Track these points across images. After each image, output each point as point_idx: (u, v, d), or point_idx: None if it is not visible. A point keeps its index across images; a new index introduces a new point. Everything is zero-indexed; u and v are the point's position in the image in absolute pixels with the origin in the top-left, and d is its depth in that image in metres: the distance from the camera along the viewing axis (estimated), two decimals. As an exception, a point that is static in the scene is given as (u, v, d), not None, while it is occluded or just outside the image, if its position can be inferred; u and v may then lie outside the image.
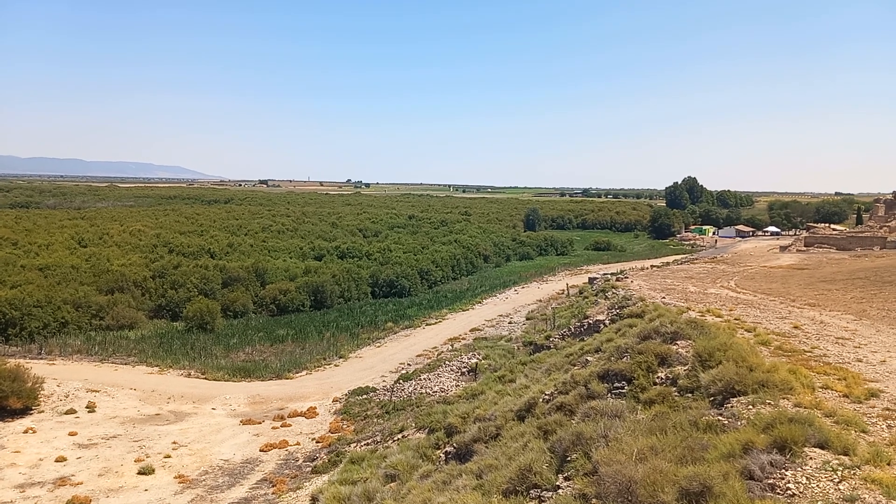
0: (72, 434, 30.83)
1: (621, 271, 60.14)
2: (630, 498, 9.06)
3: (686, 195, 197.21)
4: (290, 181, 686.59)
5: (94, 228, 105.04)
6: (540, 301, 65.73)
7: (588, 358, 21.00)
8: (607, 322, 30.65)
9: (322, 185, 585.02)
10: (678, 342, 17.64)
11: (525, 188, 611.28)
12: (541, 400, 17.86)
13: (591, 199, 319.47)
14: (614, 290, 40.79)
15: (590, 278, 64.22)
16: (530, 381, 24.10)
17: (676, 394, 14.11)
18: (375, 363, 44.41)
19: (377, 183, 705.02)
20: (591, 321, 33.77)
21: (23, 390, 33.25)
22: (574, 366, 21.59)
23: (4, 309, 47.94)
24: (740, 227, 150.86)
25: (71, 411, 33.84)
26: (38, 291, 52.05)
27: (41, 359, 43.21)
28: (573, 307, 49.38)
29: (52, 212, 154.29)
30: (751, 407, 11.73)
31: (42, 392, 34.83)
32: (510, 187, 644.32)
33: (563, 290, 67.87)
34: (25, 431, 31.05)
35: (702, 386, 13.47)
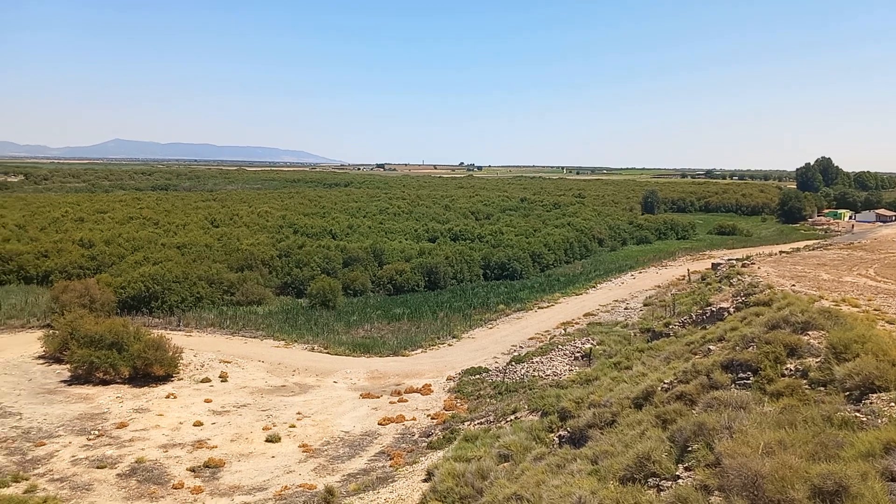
0: (207, 401, 33.20)
1: (747, 257, 57.23)
2: (756, 493, 8.75)
3: (819, 177, 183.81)
4: (406, 165, 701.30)
5: (225, 210, 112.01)
6: (658, 287, 63.69)
7: (710, 347, 20.25)
8: (731, 310, 29.36)
9: (436, 169, 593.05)
10: (809, 332, 16.69)
11: (643, 169, 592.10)
12: (659, 388, 17.45)
13: (714, 180, 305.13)
14: (739, 277, 38.95)
15: (713, 264, 61.62)
16: (648, 369, 23.55)
17: (807, 387, 13.41)
18: (487, 344, 44.76)
19: (490, 165, 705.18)
20: (713, 309, 32.45)
21: (165, 359, 36.16)
22: (695, 354, 20.92)
23: (148, 284, 52.18)
24: (881, 210, 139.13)
25: (206, 380, 36.43)
26: (176, 268, 56.25)
27: (179, 330, 46.72)
28: (694, 294, 47.57)
29: (187, 194, 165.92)
30: (893, 404, 10.96)
31: (181, 361, 37.68)
32: (627, 168, 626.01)
33: (684, 276, 65.41)
34: (167, 396, 33.78)
35: (836, 380, 12.72)
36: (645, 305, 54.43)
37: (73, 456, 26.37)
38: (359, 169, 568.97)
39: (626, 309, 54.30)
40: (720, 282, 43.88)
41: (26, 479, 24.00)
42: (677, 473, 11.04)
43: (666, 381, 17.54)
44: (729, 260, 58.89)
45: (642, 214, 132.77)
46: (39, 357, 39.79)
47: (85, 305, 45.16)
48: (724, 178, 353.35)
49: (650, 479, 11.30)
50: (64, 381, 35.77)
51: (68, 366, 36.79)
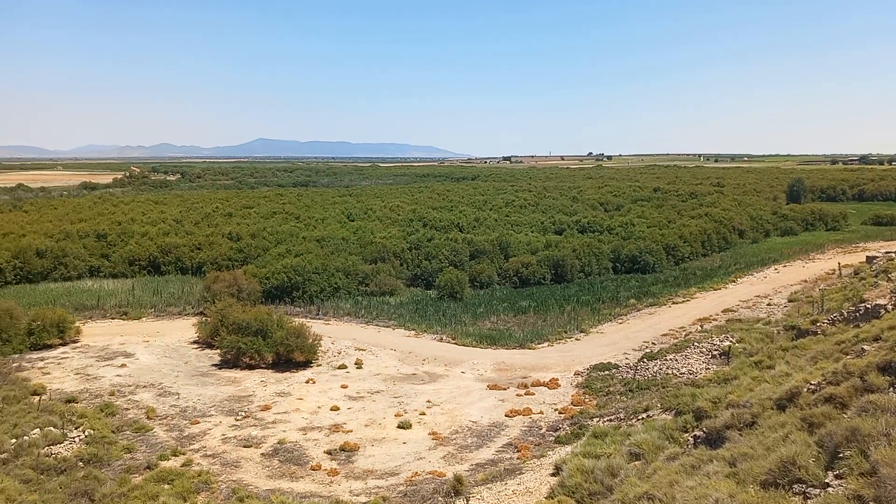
0: (343, 387, 34.76)
1: (909, 250, 52.12)
2: (918, 506, 8.02)
3: None
4: (532, 157, 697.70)
5: (359, 204, 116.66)
6: (805, 282, 59.40)
7: (864, 346, 18.69)
8: (890, 307, 26.93)
9: (563, 160, 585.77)
10: None
11: (788, 156, 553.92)
12: (805, 390, 16.33)
13: (870, 166, 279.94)
14: (900, 272, 35.60)
15: (868, 257, 56.71)
16: (792, 369, 22.08)
17: (982, 394, 12.07)
18: (617, 340, 43.69)
19: (620, 155, 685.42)
20: (868, 305, 29.87)
21: (305, 346, 38.27)
22: (846, 354, 19.40)
23: (290, 274, 55.37)
24: None
25: (342, 366, 38.14)
26: (316, 260, 59.33)
27: (318, 319, 49.19)
28: (846, 289, 43.95)
29: (325, 189, 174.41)
30: None
31: (320, 348, 39.70)
32: (770, 155, 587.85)
33: (834, 270, 60.57)
34: (307, 382, 35.70)
35: None
36: (790, 301, 50.96)
37: (223, 435, 28.55)
38: (485, 162, 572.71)
39: (768, 305, 51.12)
40: (876, 276, 40.28)
41: (183, 454, 26.29)
42: (826, 481, 10.31)
43: (813, 383, 16.39)
44: (887, 252, 53.92)
45: (787, 204, 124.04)
46: (194, 342, 43.39)
47: (233, 294, 48.66)
48: (881, 163, 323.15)
49: (795, 486, 10.63)
50: (215, 365, 38.79)
51: (219, 351, 39.82)
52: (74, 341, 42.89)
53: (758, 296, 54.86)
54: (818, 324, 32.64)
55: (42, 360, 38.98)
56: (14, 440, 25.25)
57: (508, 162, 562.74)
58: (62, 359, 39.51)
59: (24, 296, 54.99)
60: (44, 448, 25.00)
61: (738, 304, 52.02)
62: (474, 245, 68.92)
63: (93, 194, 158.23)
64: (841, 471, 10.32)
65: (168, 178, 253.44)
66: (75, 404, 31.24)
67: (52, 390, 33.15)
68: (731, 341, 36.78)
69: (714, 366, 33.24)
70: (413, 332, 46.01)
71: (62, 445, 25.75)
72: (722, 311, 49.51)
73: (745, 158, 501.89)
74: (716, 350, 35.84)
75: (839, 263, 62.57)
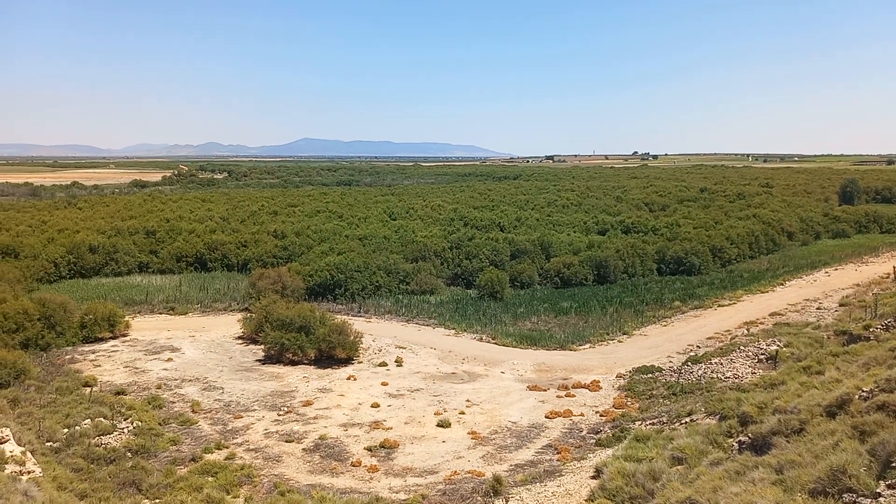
0: (384, 384, 35.01)
1: (970, 254, 50.12)
2: (977, 520, 7.70)
3: None
4: (576, 156, 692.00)
5: (401, 203, 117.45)
6: (857, 285, 57.54)
7: (921, 353, 18.03)
8: (949, 313, 25.88)
9: (607, 159, 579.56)
10: None
11: (841, 156, 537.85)
12: (856, 396, 15.84)
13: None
14: (960, 276, 34.21)
15: (925, 261, 54.68)
16: (843, 375, 21.45)
17: None
18: (661, 342, 43.02)
19: (665, 154, 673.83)
20: (925, 311, 28.79)
21: (347, 343, 38.69)
22: (902, 361, 18.75)
23: (333, 272, 56.00)
24: None
25: (383, 364, 38.41)
26: (358, 258, 59.91)
27: (360, 316, 49.63)
28: (901, 294, 42.46)
29: (368, 189, 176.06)
30: None
31: (361, 345, 40.07)
32: (822, 155, 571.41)
33: (889, 274, 58.62)
34: (348, 378, 36.06)
35: None
36: (841, 305, 49.45)
37: (265, 429, 29.03)
38: (528, 161, 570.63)
39: (818, 309, 49.70)
40: (936, 281, 38.78)
41: (227, 448, 26.83)
42: (878, 491, 9.98)
43: (865, 389, 15.87)
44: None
45: (839, 205, 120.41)
46: (239, 337, 44.21)
47: (277, 291, 49.44)
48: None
49: (845, 495, 10.31)
50: (259, 360, 39.47)
51: (263, 346, 40.53)
52: (124, 335, 44.15)
53: (807, 299, 53.41)
54: (871, 329, 31.61)
55: (93, 353, 40.25)
56: (66, 430, 26.14)
57: (551, 161, 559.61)
58: (112, 352, 40.71)
59: (77, 290, 56.91)
60: (94, 438, 25.81)
61: (786, 307, 50.73)
62: (515, 245, 68.65)
63: (143, 192, 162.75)
64: (893, 480, 9.98)
65: (215, 177, 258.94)
66: (124, 396, 32.16)
67: (103, 382, 34.19)
68: (778, 345, 35.85)
69: (760, 370, 32.47)
70: (453, 332, 46.06)
71: (111, 436, 26.53)
72: (769, 315, 48.34)
73: (796, 158, 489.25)
74: (762, 354, 34.99)
75: (894, 267, 60.55)
